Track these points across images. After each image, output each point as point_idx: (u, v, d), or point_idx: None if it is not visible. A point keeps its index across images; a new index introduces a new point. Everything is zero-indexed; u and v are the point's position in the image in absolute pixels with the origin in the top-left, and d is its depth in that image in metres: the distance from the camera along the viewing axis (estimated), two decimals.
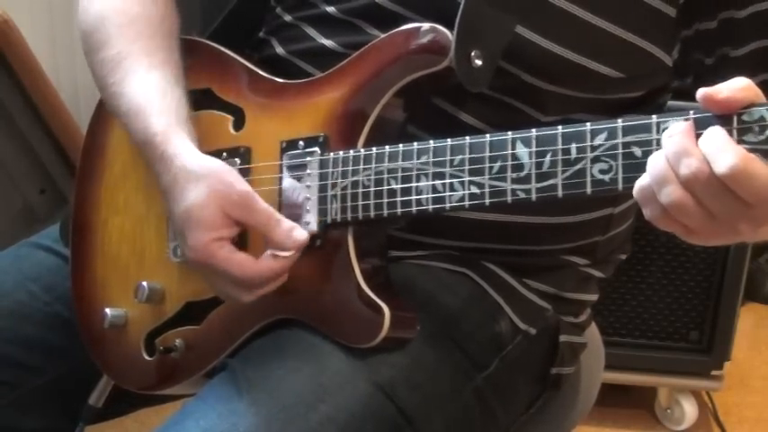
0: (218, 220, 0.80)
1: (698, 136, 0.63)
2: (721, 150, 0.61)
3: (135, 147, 0.90)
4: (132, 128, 0.88)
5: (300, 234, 0.81)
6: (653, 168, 0.64)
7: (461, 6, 0.81)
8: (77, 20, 0.98)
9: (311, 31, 0.95)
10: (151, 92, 0.88)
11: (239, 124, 0.91)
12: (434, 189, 0.77)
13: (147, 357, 0.93)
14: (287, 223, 0.81)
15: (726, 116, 0.62)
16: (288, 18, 0.98)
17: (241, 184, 0.82)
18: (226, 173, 0.82)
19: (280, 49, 0.98)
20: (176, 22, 0.97)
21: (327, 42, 0.93)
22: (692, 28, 0.88)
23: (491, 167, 0.74)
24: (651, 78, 0.91)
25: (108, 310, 0.94)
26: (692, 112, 0.64)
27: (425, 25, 0.82)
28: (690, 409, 1.99)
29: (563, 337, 0.95)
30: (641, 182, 0.65)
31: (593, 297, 1.02)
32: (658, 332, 1.89)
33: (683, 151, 0.62)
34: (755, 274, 2.50)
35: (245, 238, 0.84)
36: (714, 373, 1.89)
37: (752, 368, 2.24)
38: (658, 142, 0.65)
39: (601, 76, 0.86)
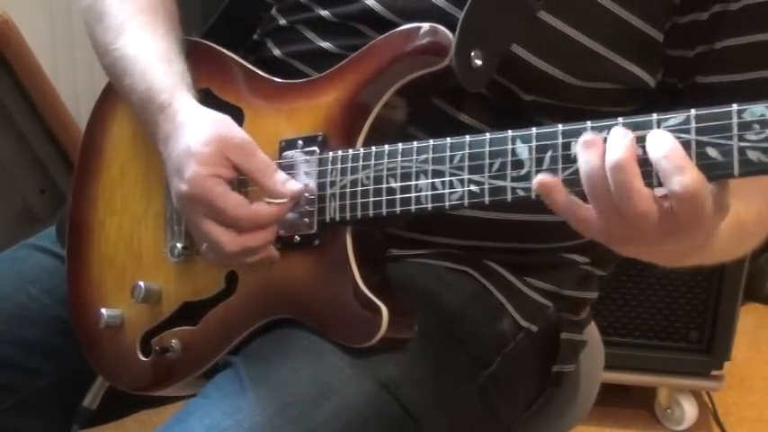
0: (217, 158, 0.81)
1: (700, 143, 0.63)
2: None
3: (138, 124, 0.91)
4: (135, 87, 0.89)
5: (295, 184, 0.82)
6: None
7: (466, 8, 0.81)
8: (76, 2, 1.00)
9: (309, 34, 0.95)
10: (157, 57, 0.89)
11: (238, 124, 0.90)
12: (434, 187, 0.77)
13: (142, 358, 0.92)
14: (282, 174, 0.82)
15: (725, 113, 0.62)
16: (282, 21, 0.98)
17: (243, 133, 0.83)
18: (229, 121, 0.84)
19: (276, 51, 0.98)
20: (175, 12, 0.98)
21: (325, 45, 0.93)
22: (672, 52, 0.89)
23: (491, 165, 0.74)
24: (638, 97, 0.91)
25: (104, 311, 0.94)
26: (692, 110, 0.64)
27: (425, 25, 0.82)
28: (690, 409, 1.99)
29: (564, 335, 0.95)
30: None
31: (594, 295, 1.02)
32: (658, 332, 1.89)
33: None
34: (755, 274, 2.49)
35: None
36: (714, 373, 1.89)
37: (752, 368, 2.24)
38: None
39: (595, 91, 0.87)
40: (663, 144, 0.64)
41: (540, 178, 0.68)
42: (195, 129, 0.82)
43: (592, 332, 1.09)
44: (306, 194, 0.83)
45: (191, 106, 0.86)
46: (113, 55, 0.92)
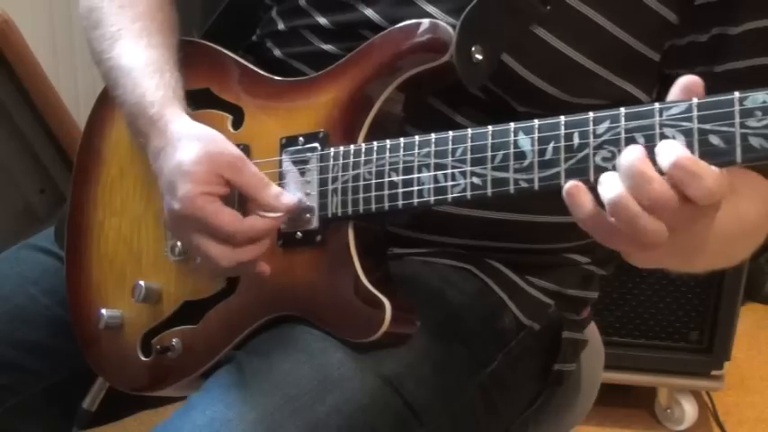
0: (209, 176, 0.81)
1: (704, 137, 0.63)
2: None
3: (130, 135, 0.91)
4: (127, 99, 0.89)
5: (288, 198, 0.82)
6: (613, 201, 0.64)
7: (470, 5, 0.81)
8: (79, 2, 1.00)
9: (310, 37, 0.95)
10: (149, 68, 0.89)
11: (238, 123, 0.91)
12: (436, 180, 0.77)
13: (143, 358, 0.92)
14: (276, 187, 0.82)
15: (727, 101, 0.62)
16: (281, 26, 0.98)
17: (234, 148, 0.83)
18: (220, 137, 0.84)
19: (277, 52, 0.98)
20: (173, 16, 0.98)
21: (327, 47, 0.93)
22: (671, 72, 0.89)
23: (493, 157, 0.73)
24: None
25: (104, 311, 0.94)
26: (695, 99, 0.64)
27: (425, 21, 0.82)
28: (690, 409, 1.99)
29: (565, 334, 0.95)
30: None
31: (594, 294, 1.02)
32: (658, 332, 1.89)
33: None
34: (755, 274, 2.49)
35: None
36: (714, 373, 1.89)
37: (752, 368, 2.24)
38: (661, 127, 0.65)
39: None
40: (672, 152, 0.62)
41: (570, 183, 0.65)
42: (186, 146, 0.82)
43: (592, 332, 1.09)
44: (307, 191, 0.83)
45: (181, 121, 0.85)
46: (107, 64, 0.92)
